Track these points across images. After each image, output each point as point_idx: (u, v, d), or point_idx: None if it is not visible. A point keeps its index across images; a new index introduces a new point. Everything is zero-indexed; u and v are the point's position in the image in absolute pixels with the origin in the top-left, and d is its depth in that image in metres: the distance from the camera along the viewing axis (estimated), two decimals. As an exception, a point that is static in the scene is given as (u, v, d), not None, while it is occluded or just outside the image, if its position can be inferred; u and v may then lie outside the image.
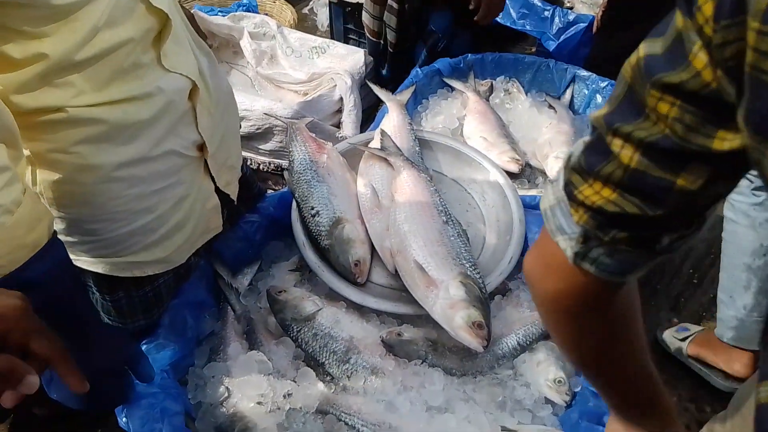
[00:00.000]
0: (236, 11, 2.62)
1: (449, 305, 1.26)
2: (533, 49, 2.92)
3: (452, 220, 1.42)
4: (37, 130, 0.94)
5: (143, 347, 1.27)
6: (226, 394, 1.27)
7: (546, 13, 2.45)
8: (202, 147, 1.19)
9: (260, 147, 2.35)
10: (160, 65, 1.05)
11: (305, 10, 3.30)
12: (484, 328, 1.24)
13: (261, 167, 2.40)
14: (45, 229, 0.89)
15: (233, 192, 1.35)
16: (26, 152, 0.98)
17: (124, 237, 1.12)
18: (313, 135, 1.62)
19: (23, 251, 0.85)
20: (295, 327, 1.35)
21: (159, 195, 1.13)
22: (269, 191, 2.47)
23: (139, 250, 1.16)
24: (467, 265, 1.33)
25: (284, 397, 1.26)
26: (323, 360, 1.31)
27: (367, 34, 2.36)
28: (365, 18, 2.33)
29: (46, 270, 0.88)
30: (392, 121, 1.68)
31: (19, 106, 0.90)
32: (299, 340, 1.34)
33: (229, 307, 1.44)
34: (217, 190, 1.29)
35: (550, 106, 2.16)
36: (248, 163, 2.39)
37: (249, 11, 2.66)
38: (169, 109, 1.07)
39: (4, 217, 0.82)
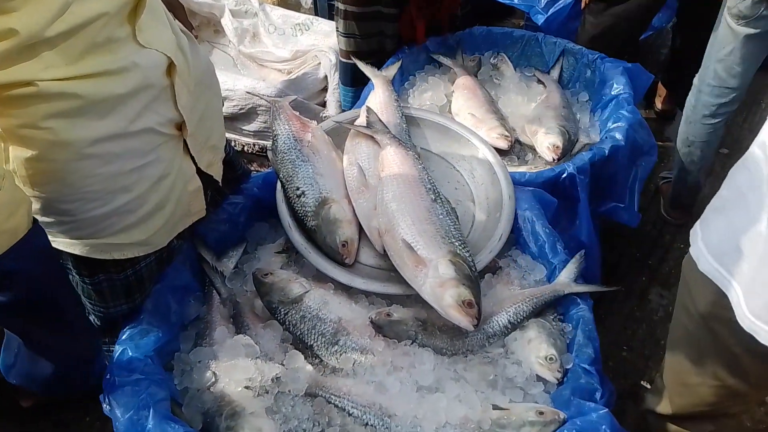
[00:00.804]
0: (216, -12, 2.56)
1: (438, 284, 1.24)
2: (522, 24, 2.88)
3: (441, 198, 1.39)
4: (6, 104, 0.91)
5: (127, 332, 1.24)
6: (213, 379, 1.24)
7: (534, -14, 2.41)
8: (181, 126, 1.15)
9: (244, 128, 2.31)
10: (135, 41, 1.02)
11: (288, -13, 3.23)
12: (474, 306, 1.22)
13: (245, 149, 2.36)
14: (25, 215, 0.87)
15: (217, 173, 1.32)
16: None
17: (101, 218, 1.09)
18: (297, 113, 1.58)
19: (3, 237, 0.84)
20: (282, 310, 1.32)
21: (136, 174, 1.10)
22: (254, 173, 2.44)
23: (117, 232, 1.13)
24: (456, 244, 1.30)
25: (272, 380, 1.23)
26: (311, 342, 1.29)
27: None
28: (352, 45, 2.04)
29: (28, 258, 0.87)
30: (378, 98, 1.65)
31: None
32: (287, 323, 1.32)
33: (214, 291, 1.41)
34: (200, 172, 1.25)
35: (539, 81, 2.13)
36: (232, 144, 2.35)
37: (230, -12, 2.60)
38: (145, 85, 1.04)
39: None
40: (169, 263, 1.34)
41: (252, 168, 2.46)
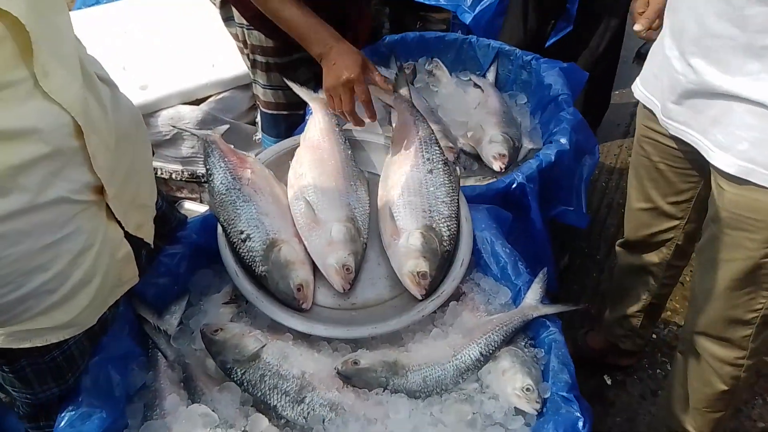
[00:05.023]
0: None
1: (404, 253, 1.35)
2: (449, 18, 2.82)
3: (437, 169, 1.47)
4: None
5: (66, 418, 1.10)
6: (169, 457, 1.13)
7: (459, -16, 2.36)
8: (101, 189, 1.01)
9: (170, 155, 2.14)
10: (38, 87, 0.85)
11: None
12: (427, 278, 1.32)
13: (173, 176, 2.19)
14: None
15: (147, 235, 1.18)
16: None
17: (15, 302, 0.94)
18: (232, 146, 1.45)
19: None
20: (238, 370, 1.21)
21: (52, 250, 0.95)
22: (187, 201, 2.28)
23: (36, 316, 0.98)
24: (436, 218, 1.39)
25: (236, 450, 1.13)
26: (275, 403, 1.19)
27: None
28: (281, 97, 1.91)
29: None
30: (318, 123, 1.54)
31: None
32: (245, 384, 1.21)
33: (159, 354, 1.28)
34: (129, 234, 1.11)
35: (476, 86, 2.09)
36: (158, 173, 2.18)
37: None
38: (49, 153, 0.89)
39: None
40: (103, 334, 1.19)
41: (182, 195, 2.30)
